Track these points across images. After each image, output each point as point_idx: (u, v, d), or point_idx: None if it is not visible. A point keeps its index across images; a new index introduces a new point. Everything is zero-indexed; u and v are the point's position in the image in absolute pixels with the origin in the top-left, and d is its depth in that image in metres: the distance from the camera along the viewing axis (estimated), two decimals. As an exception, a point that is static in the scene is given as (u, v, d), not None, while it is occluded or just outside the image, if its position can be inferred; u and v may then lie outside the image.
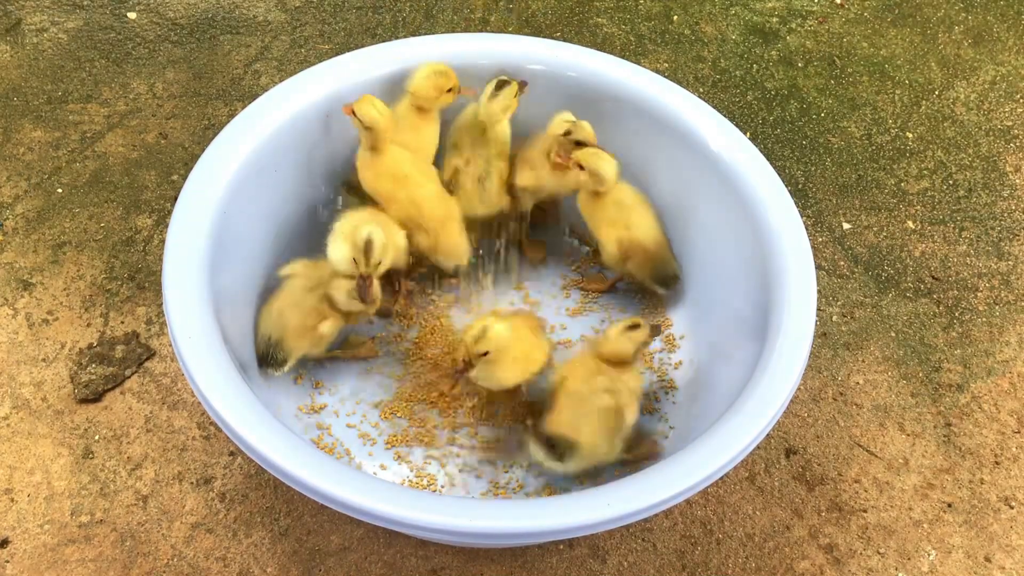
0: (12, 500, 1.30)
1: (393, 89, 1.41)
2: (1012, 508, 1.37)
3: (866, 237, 1.66)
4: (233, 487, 1.32)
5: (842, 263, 1.63)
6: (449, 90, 1.37)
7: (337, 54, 1.48)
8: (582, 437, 1.20)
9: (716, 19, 2.01)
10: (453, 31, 1.92)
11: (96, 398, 1.39)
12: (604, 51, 1.48)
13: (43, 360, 1.43)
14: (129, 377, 1.42)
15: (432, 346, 1.41)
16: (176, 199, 1.23)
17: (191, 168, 1.26)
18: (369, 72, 1.40)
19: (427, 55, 1.42)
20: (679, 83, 1.60)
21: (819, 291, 1.51)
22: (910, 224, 1.69)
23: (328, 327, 1.29)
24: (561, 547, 1.30)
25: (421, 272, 1.45)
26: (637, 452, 1.27)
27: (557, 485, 1.29)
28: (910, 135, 1.83)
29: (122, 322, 1.47)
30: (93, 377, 1.40)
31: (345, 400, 1.36)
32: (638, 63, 1.58)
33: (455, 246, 1.38)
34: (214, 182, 1.25)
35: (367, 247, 1.24)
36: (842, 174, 1.75)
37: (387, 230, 1.30)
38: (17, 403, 1.39)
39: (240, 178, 1.27)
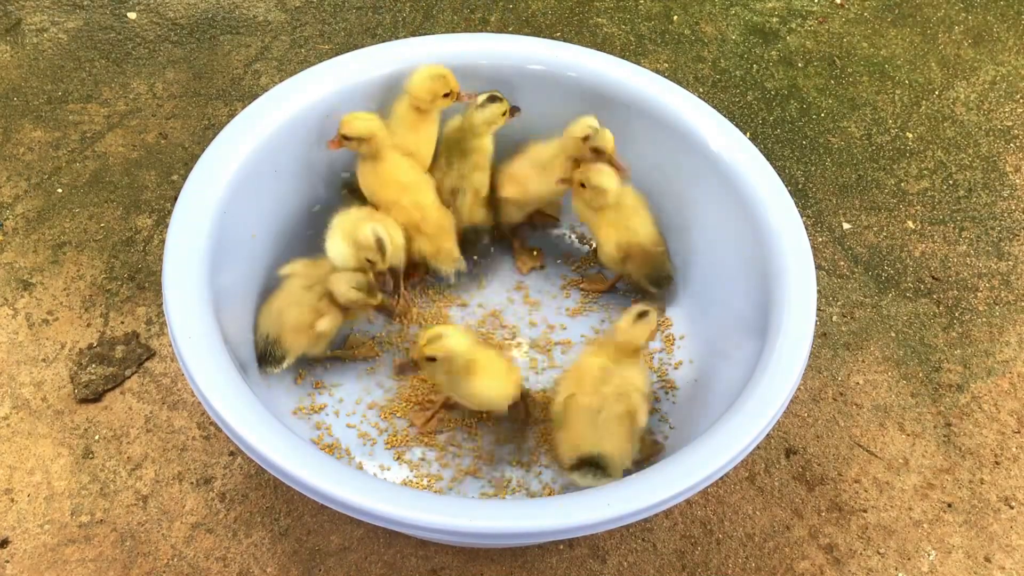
0: (12, 500, 1.30)
1: (393, 89, 1.41)
2: (1012, 508, 1.37)
3: (866, 237, 1.66)
4: (233, 487, 1.32)
5: (842, 263, 1.63)
6: (447, 94, 1.37)
7: (337, 54, 1.48)
8: (607, 448, 1.20)
9: (716, 19, 2.01)
10: (453, 31, 1.92)
11: (96, 398, 1.39)
12: (604, 51, 1.48)
13: (43, 360, 1.43)
14: (129, 377, 1.42)
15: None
16: (176, 199, 1.23)
17: (191, 168, 1.26)
18: (369, 72, 1.40)
19: (427, 55, 1.42)
20: (679, 83, 1.60)
21: (819, 291, 1.51)
22: (910, 224, 1.69)
23: (326, 324, 1.29)
24: (561, 547, 1.30)
25: (422, 276, 1.46)
26: (645, 452, 1.27)
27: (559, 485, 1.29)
28: (910, 135, 1.83)
29: (122, 322, 1.47)
30: (93, 377, 1.40)
31: (345, 400, 1.36)
32: (638, 63, 1.58)
33: (452, 252, 1.39)
34: (214, 182, 1.25)
35: (380, 245, 1.26)
36: (842, 174, 1.75)
37: (386, 226, 1.31)
38: (17, 403, 1.39)
39: (240, 178, 1.28)
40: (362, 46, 1.51)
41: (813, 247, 1.46)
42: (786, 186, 1.31)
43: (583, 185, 1.37)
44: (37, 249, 1.55)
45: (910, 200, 1.73)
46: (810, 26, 2.01)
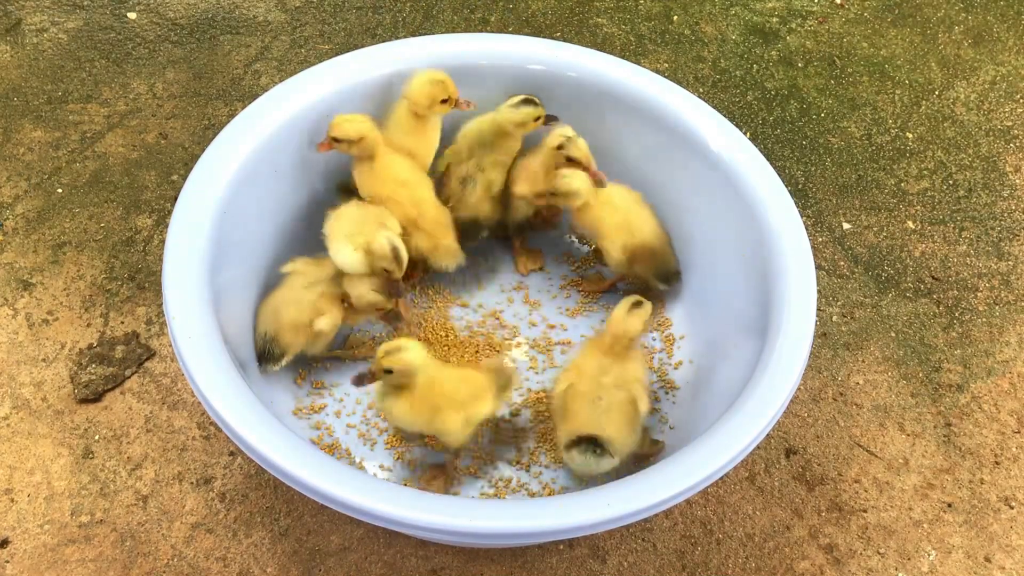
0: (12, 500, 1.30)
1: (393, 89, 1.41)
2: (1012, 508, 1.37)
3: (866, 237, 1.66)
4: (233, 487, 1.32)
5: (842, 263, 1.63)
6: (444, 100, 1.37)
7: (337, 54, 1.48)
8: (607, 433, 1.20)
9: (716, 19, 2.01)
10: (453, 31, 1.92)
11: (96, 398, 1.39)
12: (604, 51, 1.48)
13: (43, 360, 1.43)
14: (129, 377, 1.42)
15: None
16: (176, 199, 1.23)
17: (191, 168, 1.26)
18: (369, 72, 1.40)
19: (427, 55, 1.42)
20: (679, 83, 1.60)
21: (819, 291, 1.51)
22: (910, 224, 1.69)
23: (324, 324, 1.29)
24: (561, 547, 1.30)
25: (420, 276, 1.45)
26: (645, 449, 1.27)
27: (561, 485, 1.29)
28: (910, 135, 1.83)
29: (122, 322, 1.47)
30: (93, 377, 1.40)
31: (345, 400, 1.36)
32: (638, 63, 1.58)
33: (449, 247, 1.39)
34: (214, 182, 1.25)
35: (396, 254, 1.26)
36: (842, 174, 1.75)
37: (380, 216, 1.32)
38: (17, 403, 1.39)
39: (240, 178, 1.28)
40: (362, 46, 1.51)
41: (813, 247, 1.46)
42: (786, 186, 1.31)
43: (554, 194, 1.38)
44: (37, 249, 1.55)
45: (910, 200, 1.73)
46: (810, 26, 2.01)
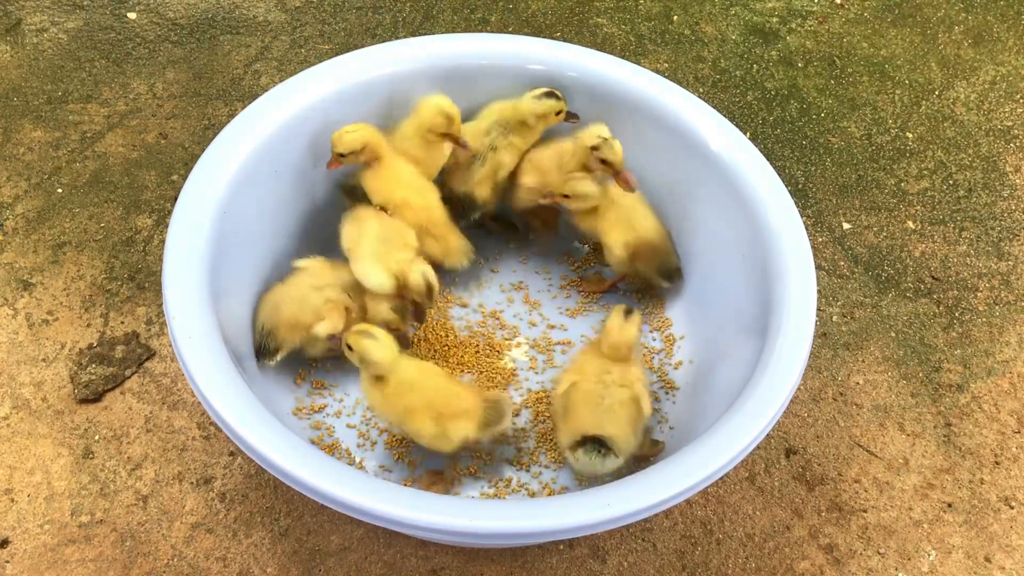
0: (12, 500, 1.30)
1: (393, 89, 1.41)
2: (1012, 508, 1.37)
3: (866, 237, 1.66)
4: (233, 487, 1.32)
5: (842, 263, 1.63)
6: (445, 134, 1.37)
7: (337, 54, 1.48)
8: (610, 430, 1.20)
9: (716, 19, 2.01)
10: (453, 31, 1.92)
11: (96, 398, 1.39)
12: (604, 51, 1.48)
13: (43, 360, 1.43)
14: (129, 377, 1.42)
15: (432, 345, 1.41)
16: (176, 199, 1.23)
17: (191, 168, 1.26)
18: (369, 72, 1.40)
19: (427, 55, 1.42)
20: (679, 83, 1.60)
21: (819, 291, 1.51)
22: (910, 224, 1.69)
23: (324, 329, 1.29)
24: (561, 547, 1.29)
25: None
26: (646, 450, 1.27)
27: (561, 484, 1.29)
28: (910, 135, 1.83)
29: (122, 322, 1.47)
30: (93, 377, 1.40)
31: (345, 400, 1.36)
32: (638, 63, 1.58)
33: (460, 246, 1.40)
34: (214, 182, 1.25)
35: (430, 291, 1.29)
36: (842, 174, 1.75)
37: (402, 233, 1.32)
38: (17, 403, 1.39)
39: (240, 178, 1.27)
40: (362, 46, 1.51)
41: (813, 247, 1.46)
42: (786, 186, 1.31)
43: (567, 196, 1.38)
44: (37, 249, 1.55)
45: (910, 200, 1.73)
46: (810, 26, 2.01)
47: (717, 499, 1.35)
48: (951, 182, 1.76)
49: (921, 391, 1.48)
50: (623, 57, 1.69)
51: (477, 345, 1.41)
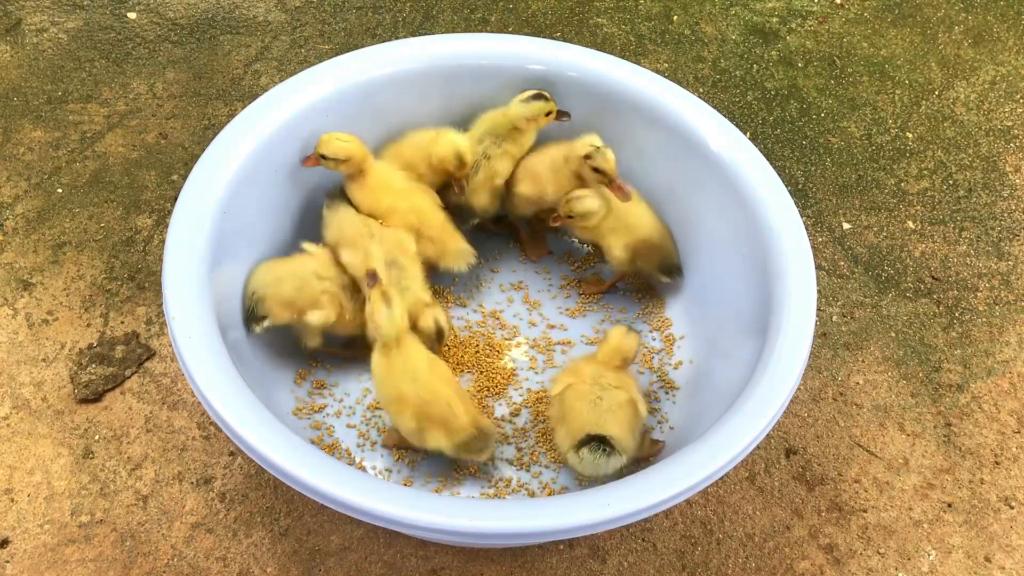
0: (12, 500, 1.30)
1: (392, 89, 1.41)
2: (1012, 508, 1.37)
3: (866, 237, 1.66)
4: (233, 487, 1.32)
5: (842, 263, 1.63)
6: (451, 172, 1.38)
7: (337, 54, 1.48)
8: (611, 430, 1.20)
9: (716, 19, 2.01)
10: (453, 31, 1.92)
11: (96, 398, 1.39)
12: (604, 51, 1.48)
13: (43, 360, 1.43)
14: (129, 377, 1.42)
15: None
16: (176, 199, 1.23)
17: (191, 168, 1.26)
18: (369, 72, 1.40)
19: (427, 55, 1.42)
20: (679, 83, 1.60)
21: (819, 291, 1.51)
22: (910, 224, 1.69)
23: (316, 318, 1.29)
24: (561, 547, 1.29)
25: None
26: (644, 450, 1.27)
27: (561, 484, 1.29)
28: (910, 135, 1.83)
29: (122, 322, 1.47)
30: (93, 377, 1.40)
31: (345, 400, 1.36)
32: (638, 63, 1.58)
33: (459, 249, 1.39)
34: (214, 182, 1.25)
35: (439, 335, 1.30)
36: (842, 174, 1.75)
37: (399, 239, 1.32)
38: (17, 403, 1.39)
39: (240, 178, 1.28)
40: (362, 46, 1.51)
41: (813, 247, 1.46)
42: (786, 186, 1.31)
43: (570, 217, 1.38)
44: (37, 249, 1.55)
45: (910, 200, 1.73)
46: (810, 26, 2.01)
47: (717, 499, 1.35)
48: (951, 182, 1.76)
49: (921, 391, 1.48)
50: (623, 57, 1.69)
51: (477, 345, 1.41)
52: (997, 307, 1.59)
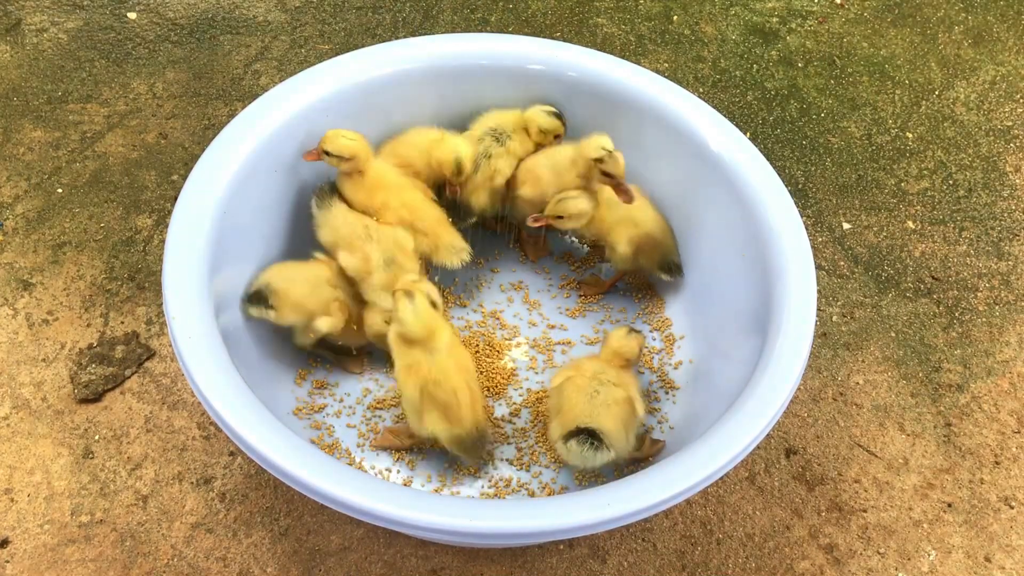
0: (12, 500, 1.30)
1: (392, 89, 1.41)
2: (1012, 508, 1.37)
3: (866, 237, 1.66)
4: (233, 487, 1.32)
5: (842, 263, 1.63)
6: (447, 176, 1.38)
7: (337, 54, 1.48)
8: (604, 424, 1.20)
9: (716, 19, 2.01)
10: (453, 31, 1.92)
11: (96, 398, 1.39)
12: (604, 51, 1.48)
13: (43, 360, 1.43)
14: (129, 377, 1.42)
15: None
16: (176, 199, 1.23)
17: (191, 168, 1.26)
18: (369, 72, 1.40)
19: (427, 55, 1.42)
20: (679, 83, 1.60)
21: (819, 291, 1.51)
22: (910, 224, 1.69)
23: (324, 324, 1.29)
24: (561, 547, 1.29)
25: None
26: (644, 451, 1.27)
27: (561, 484, 1.29)
28: (910, 135, 1.83)
29: (122, 322, 1.47)
30: (93, 377, 1.40)
31: (345, 400, 1.36)
32: (638, 63, 1.58)
33: (454, 244, 1.38)
34: (214, 182, 1.25)
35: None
36: (842, 174, 1.75)
37: (396, 237, 1.32)
38: (17, 403, 1.39)
39: (240, 178, 1.28)
40: (362, 46, 1.51)
41: (813, 247, 1.47)
42: (786, 186, 1.31)
43: (559, 217, 1.38)
44: (37, 249, 1.55)
45: (910, 200, 1.73)
46: (810, 26, 2.01)
47: (717, 499, 1.35)
48: (951, 182, 1.76)
49: (921, 391, 1.48)
50: (623, 57, 1.69)
51: (477, 345, 1.41)
52: (997, 307, 1.59)
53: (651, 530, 1.32)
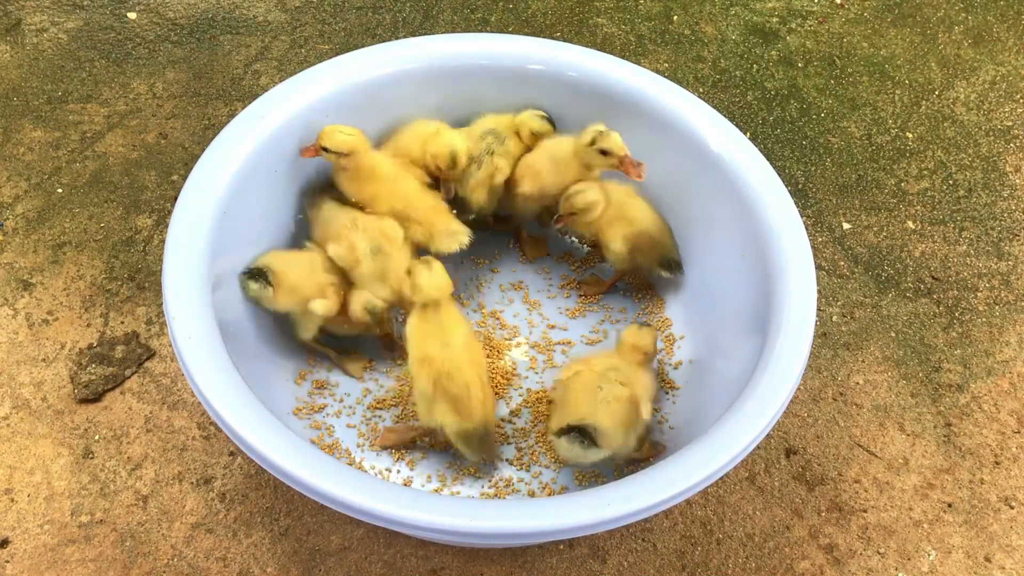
0: (12, 500, 1.30)
1: (392, 89, 1.41)
2: (1012, 508, 1.37)
3: (866, 237, 1.66)
4: (233, 487, 1.32)
5: (842, 263, 1.63)
6: (443, 171, 1.38)
7: (337, 54, 1.48)
8: (600, 421, 1.19)
9: (716, 19, 2.01)
10: (453, 31, 1.92)
11: (96, 398, 1.39)
12: (604, 51, 1.48)
13: (43, 360, 1.43)
14: (129, 377, 1.42)
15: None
16: (176, 199, 1.23)
17: (191, 168, 1.26)
18: (369, 72, 1.40)
19: (427, 55, 1.42)
20: (679, 83, 1.60)
21: (819, 291, 1.51)
22: (910, 224, 1.69)
23: (319, 307, 1.29)
24: (561, 547, 1.29)
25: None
26: (643, 452, 1.27)
27: (561, 484, 1.29)
28: (910, 135, 1.83)
29: (122, 322, 1.47)
30: (93, 377, 1.40)
31: (345, 400, 1.36)
32: (638, 63, 1.58)
33: (449, 228, 1.36)
34: (214, 182, 1.25)
35: (375, 316, 1.32)
36: (842, 174, 1.75)
37: (383, 227, 1.32)
38: (17, 403, 1.39)
39: (240, 178, 1.28)
40: (362, 46, 1.51)
41: (813, 247, 1.46)
42: (786, 186, 1.31)
43: (573, 213, 1.38)
44: (37, 249, 1.55)
45: (910, 200, 1.73)
46: (810, 26, 2.01)
47: (717, 499, 1.35)
48: (951, 182, 1.76)
49: (921, 391, 1.48)
50: (623, 57, 1.69)
51: (477, 345, 1.41)
52: (997, 307, 1.59)
53: (651, 530, 1.32)
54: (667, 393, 1.39)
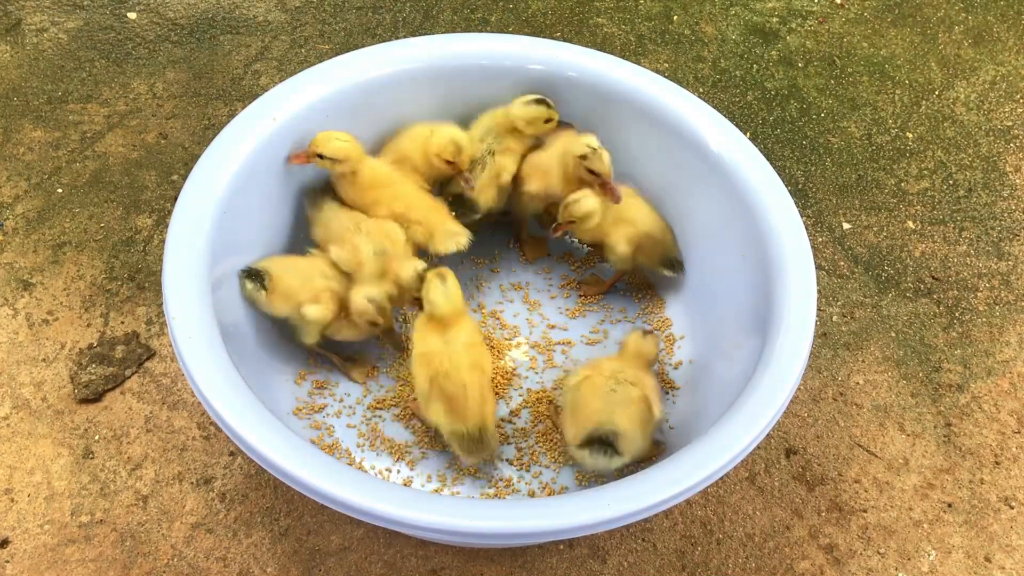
0: (12, 500, 1.30)
1: (392, 89, 1.41)
2: (1012, 508, 1.37)
3: (866, 237, 1.66)
4: (233, 487, 1.32)
5: (842, 263, 1.63)
6: (450, 162, 1.37)
7: (337, 54, 1.48)
8: (619, 424, 1.19)
9: (716, 19, 2.01)
10: (453, 31, 1.92)
11: (96, 398, 1.39)
12: (604, 51, 1.48)
13: (43, 360, 1.43)
14: (129, 377, 1.42)
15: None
16: (176, 199, 1.23)
17: (191, 168, 1.26)
18: (369, 72, 1.40)
19: (427, 55, 1.42)
20: (679, 83, 1.60)
21: (819, 291, 1.51)
22: (910, 224, 1.69)
23: (312, 312, 1.28)
24: (561, 547, 1.29)
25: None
26: (647, 452, 1.27)
27: (560, 484, 1.29)
28: (910, 135, 1.83)
29: (122, 322, 1.47)
30: (93, 377, 1.40)
31: (345, 400, 1.36)
32: (638, 63, 1.58)
33: (450, 229, 1.36)
34: (214, 182, 1.25)
35: (380, 311, 1.30)
36: (842, 174, 1.75)
37: (386, 229, 1.32)
38: (17, 403, 1.39)
39: (240, 178, 1.28)
40: (362, 46, 1.51)
41: (813, 247, 1.46)
42: (786, 186, 1.31)
43: (572, 221, 1.38)
44: (37, 249, 1.55)
45: (910, 200, 1.73)
46: (810, 26, 2.01)
47: (717, 499, 1.35)
48: (951, 182, 1.76)
49: (921, 391, 1.48)
50: (623, 57, 1.69)
51: (477, 345, 1.41)
52: (997, 307, 1.59)
53: (651, 530, 1.32)
54: (667, 393, 1.39)
